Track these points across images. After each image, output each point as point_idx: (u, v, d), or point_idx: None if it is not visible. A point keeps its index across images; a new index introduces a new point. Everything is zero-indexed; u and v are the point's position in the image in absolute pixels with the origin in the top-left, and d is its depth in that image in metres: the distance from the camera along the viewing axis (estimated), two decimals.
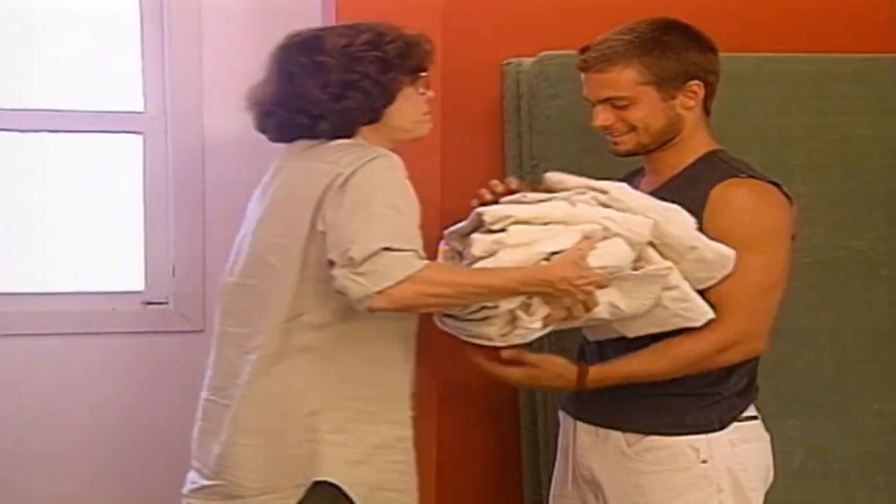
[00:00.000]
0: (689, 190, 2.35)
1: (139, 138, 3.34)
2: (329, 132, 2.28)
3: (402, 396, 2.30)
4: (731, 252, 2.23)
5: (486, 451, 3.15)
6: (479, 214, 2.18)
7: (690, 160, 2.40)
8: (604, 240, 2.18)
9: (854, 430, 3.01)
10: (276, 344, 2.25)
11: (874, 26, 3.21)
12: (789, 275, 2.37)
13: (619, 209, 2.20)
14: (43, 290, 3.36)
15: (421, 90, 2.33)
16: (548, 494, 2.90)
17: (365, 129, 2.30)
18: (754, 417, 2.40)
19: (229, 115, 3.34)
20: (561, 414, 2.57)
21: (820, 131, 3.02)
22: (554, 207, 2.18)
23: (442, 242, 2.38)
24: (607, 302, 2.20)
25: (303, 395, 2.23)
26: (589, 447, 2.44)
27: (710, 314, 2.24)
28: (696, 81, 2.37)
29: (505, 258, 2.14)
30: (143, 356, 3.37)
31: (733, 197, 2.31)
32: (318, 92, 2.25)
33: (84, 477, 3.37)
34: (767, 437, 2.42)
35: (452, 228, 2.33)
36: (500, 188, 2.37)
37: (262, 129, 2.41)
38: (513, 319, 2.20)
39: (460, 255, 2.29)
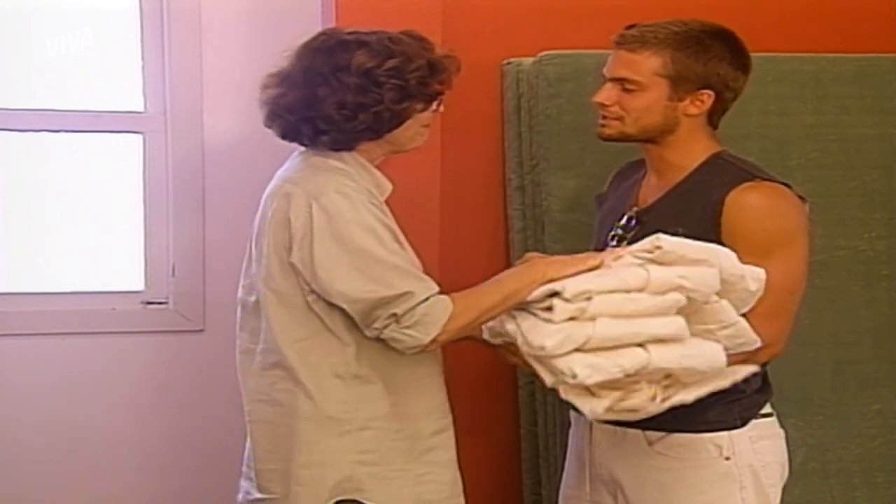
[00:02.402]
0: (700, 196, 2.34)
1: (139, 138, 3.34)
2: (329, 145, 2.29)
3: (428, 408, 2.32)
4: (762, 272, 2.22)
5: (486, 451, 3.15)
6: (558, 292, 2.13)
7: (695, 163, 2.39)
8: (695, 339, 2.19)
9: (854, 430, 3.01)
10: (292, 363, 2.27)
11: (873, 26, 3.21)
12: (808, 274, 2.37)
13: (672, 262, 2.16)
14: (43, 290, 3.36)
15: (433, 108, 2.32)
16: (548, 494, 2.91)
17: (364, 143, 2.30)
18: (770, 414, 2.41)
19: (229, 115, 3.35)
20: (573, 415, 2.56)
21: (819, 131, 3.02)
22: (630, 275, 2.14)
23: None
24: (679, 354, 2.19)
25: (330, 416, 2.25)
26: (607, 447, 2.43)
27: (759, 342, 2.23)
28: (709, 91, 2.36)
29: (601, 329, 2.11)
30: (143, 356, 3.37)
31: (749, 203, 2.30)
32: (333, 110, 2.24)
33: (83, 476, 3.36)
34: (783, 434, 2.43)
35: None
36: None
37: (268, 125, 2.39)
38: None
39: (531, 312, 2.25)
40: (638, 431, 2.36)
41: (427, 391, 2.32)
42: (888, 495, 3.04)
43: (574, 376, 2.10)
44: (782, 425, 2.44)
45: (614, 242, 2.45)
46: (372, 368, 2.26)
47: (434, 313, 2.16)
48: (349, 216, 2.18)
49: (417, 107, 2.28)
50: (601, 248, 2.48)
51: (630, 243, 2.39)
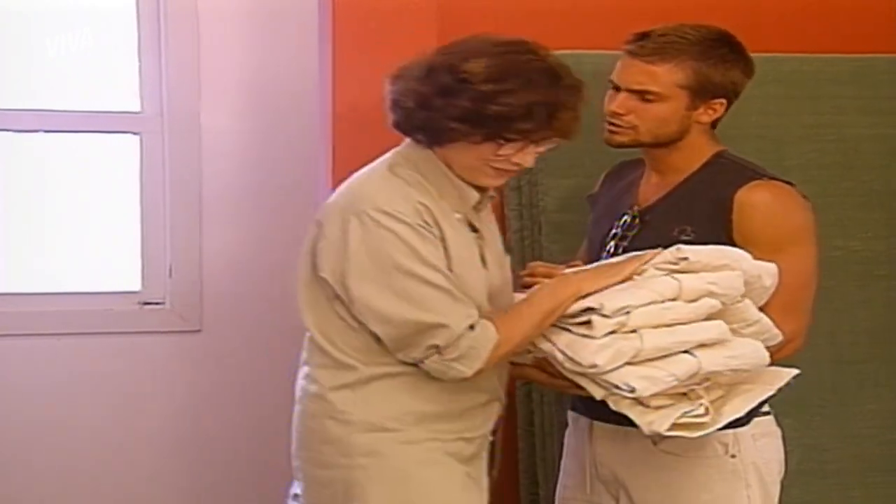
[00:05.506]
0: (705, 194, 2.36)
1: (136, 138, 3.33)
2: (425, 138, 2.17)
3: (417, 416, 2.19)
4: (774, 267, 2.24)
5: None
6: (594, 308, 2.13)
7: (697, 164, 2.40)
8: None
9: (850, 431, 3.01)
10: (311, 360, 2.23)
11: (870, 27, 3.21)
12: (820, 271, 2.40)
13: (697, 270, 2.18)
14: (39, 291, 3.37)
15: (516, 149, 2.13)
16: (545, 494, 2.90)
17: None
18: (768, 412, 2.42)
19: (227, 115, 3.36)
20: (572, 415, 2.55)
21: (816, 131, 3.02)
22: (662, 286, 2.15)
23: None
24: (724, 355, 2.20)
25: (335, 420, 2.19)
26: (609, 447, 2.42)
27: (780, 336, 2.25)
28: (722, 100, 2.38)
29: (649, 341, 2.12)
30: (140, 356, 3.37)
31: (760, 201, 2.32)
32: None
33: (79, 477, 3.37)
34: (780, 432, 2.44)
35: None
36: (541, 269, 2.40)
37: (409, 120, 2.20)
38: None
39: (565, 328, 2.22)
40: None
41: (429, 401, 2.19)
42: (885, 496, 3.04)
43: (633, 390, 2.10)
44: (780, 424, 2.45)
45: (614, 242, 2.45)
46: (387, 369, 2.17)
47: (480, 345, 2.09)
48: (387, 233, 2.08)
49: (474, 136, 2.12)
50: (598, 248, 2.48)
51: (631, 242, 2.40)
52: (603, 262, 2.35)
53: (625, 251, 2.38)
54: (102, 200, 3.41)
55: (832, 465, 2.99)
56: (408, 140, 2.21)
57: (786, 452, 2.45)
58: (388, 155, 2.23)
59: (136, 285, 3.38)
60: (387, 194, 2.12)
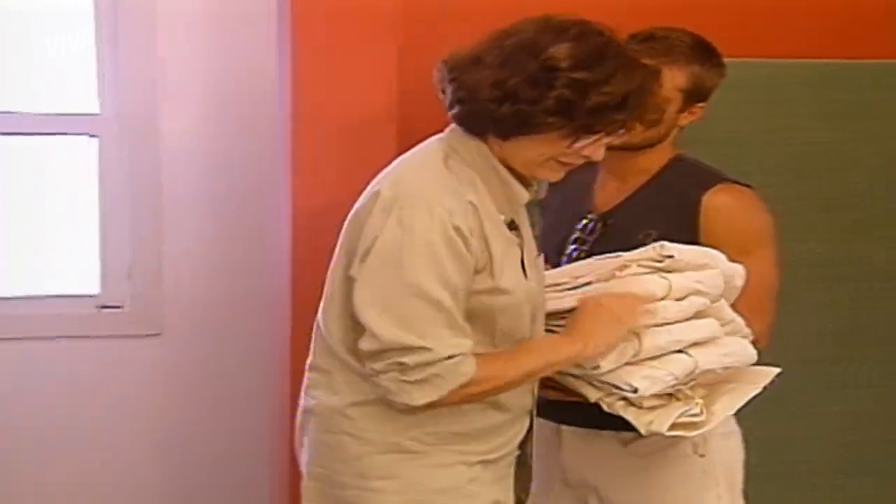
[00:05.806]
0: (670, 198, 2.38)
1: (95, 140, 3.30)
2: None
3: (462, 435, 2.07)
4: (742, 268, 2.26)
5: None
6: None
7: (657, 166, 2.42)
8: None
9: (815, 432, 3.06)
10: (329, 368, 2.10)
11: (826, 32, 3.23)
12: (785, 273, 2.43)
13: (683, 269, 2.19)
14: None
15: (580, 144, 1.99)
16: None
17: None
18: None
19: (187, 118, 3.33)
20: (536, 420, 2.55)
21: (772, 136, 3.05)
22: (654, 286, 2.15)
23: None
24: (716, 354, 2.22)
25: (352, 437, 2.06)
26: (578, 450, 2.43)
27: (751, 335, 2.28)
28: (704, 104, 2.40)
29: (648, 341, 2.12)
30: (98, 361, 3.34)
31: (724, 204, 2.35)
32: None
33: (36, 483, 3.33)
34: (740, 431, 2.46)
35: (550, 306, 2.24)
36: None
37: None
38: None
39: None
40: (611, 432, 2.36)
41: (446, 417, 2.05)
42: (848, 497, 3.07)
43: (635, 390, 2.10)
44: (742, 424, 2.47)
45: (575, 246, 2.45)
46: None
47: (447, 377, 1.94)
48: (420, 238, 1.93)
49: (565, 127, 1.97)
50: (556, 254, 2.46)
51: (593, 246, 2.40)
52: (571, 267, 2.33)
53: (587, 255, 2.38)
54: (60, 202, 3.37)
55: (797, 465, 3.03)
56: (453, 126, 2.06)
57: (746, 452, 2.47)
58: (435, 143, 2.08)
59: (94, 288, 3.35)
60: (437, 189, 1.98)
